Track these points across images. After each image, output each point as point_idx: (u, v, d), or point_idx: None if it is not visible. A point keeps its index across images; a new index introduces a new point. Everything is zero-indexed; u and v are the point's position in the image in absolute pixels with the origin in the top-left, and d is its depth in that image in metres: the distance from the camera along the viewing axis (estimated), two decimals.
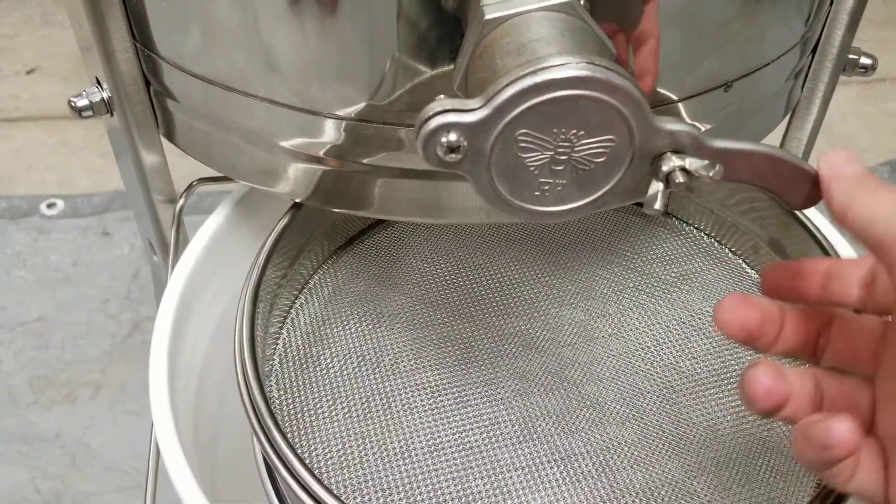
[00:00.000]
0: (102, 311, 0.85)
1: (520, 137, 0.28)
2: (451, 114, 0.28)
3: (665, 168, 0.28)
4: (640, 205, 0.48)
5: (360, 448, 0.37)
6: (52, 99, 1.12)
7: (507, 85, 0.27)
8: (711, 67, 0.36)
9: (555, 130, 0.28)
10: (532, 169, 0.29)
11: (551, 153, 0.29)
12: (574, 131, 0.28)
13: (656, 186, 0.29)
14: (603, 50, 0.30)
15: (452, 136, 0.28)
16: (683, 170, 0.28)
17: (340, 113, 0.36)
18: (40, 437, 0.75)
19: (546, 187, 0.29)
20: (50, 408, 0.77)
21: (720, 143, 0.29)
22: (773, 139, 0.47)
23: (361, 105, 0.35)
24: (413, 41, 0.33)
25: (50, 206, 0.96)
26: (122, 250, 0.91)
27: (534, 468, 0.36)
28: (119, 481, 0.71)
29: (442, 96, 0.29)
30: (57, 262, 0.90)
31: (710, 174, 0.28)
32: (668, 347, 0.41)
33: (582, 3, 0.31)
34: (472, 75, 0.31)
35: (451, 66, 0.33)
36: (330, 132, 0.36)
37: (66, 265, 0.89)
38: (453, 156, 0.28)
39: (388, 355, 0.41)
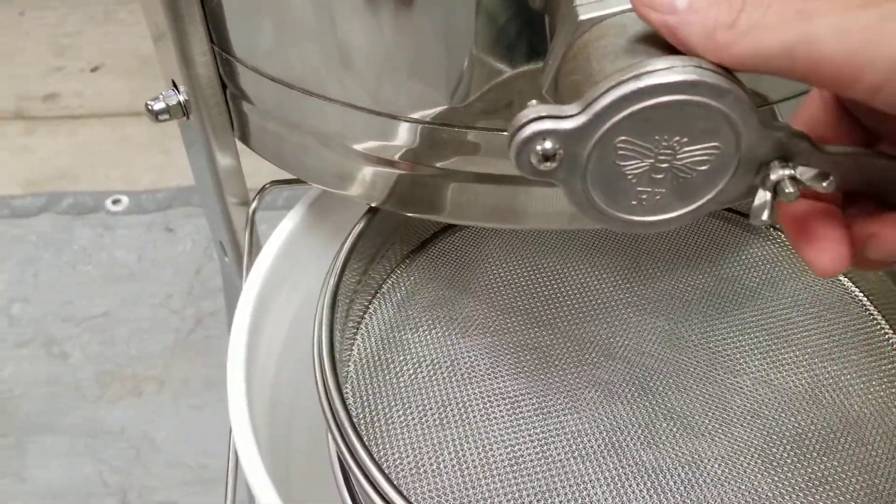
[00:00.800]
0: (166, 307, 0.85)
1: (619, 145, 0.27)
2: (547, 121, 0.27)
3: (773, 177, 0.27)
4: (735, 211, 0.46)
5: (436, 457, 0.36)
6: (115, 96, 1.13)
7: (608, 90, 0.26)
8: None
9: (657, 137, 0.27)
10: (630, 177, 0.28)
11: (652, 161, 0.27)
12: (677, 138, 0.27)
13: (763, 196, 0.27)
14: None
15: (548, 144, 0.27)
16: (793, 179, 0.27)
17: (415, 116, 0.35)
18: (106, 431, 0.76)
19: (644, 196, 0.28)
20: (116, 402, 0.78)
21: (832, 149, 0.27)
22: None
23: (437, 108, 0.34)
24: (493, 40, 0.32)
25: (115, 202, 0.97)
26: (185, 246, 0.91)
27: (619, 483, 0.35)
28: (182, 476, 0.72)
29: (535, 102, 0.28)
30: (122, 258, 0.91)
31: (824, 184, 0.27)
32: (755, 358, 0.39)
33: None
34: (563, 78, 0.30)
35: (530, 67, 0.32)
36: (404, 135, 0.36)
37: (131, 261, 0.90)
38: (548, 164, 0.27)
39: (463, 362, 0.40)
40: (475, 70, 0.33)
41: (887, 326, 0.40)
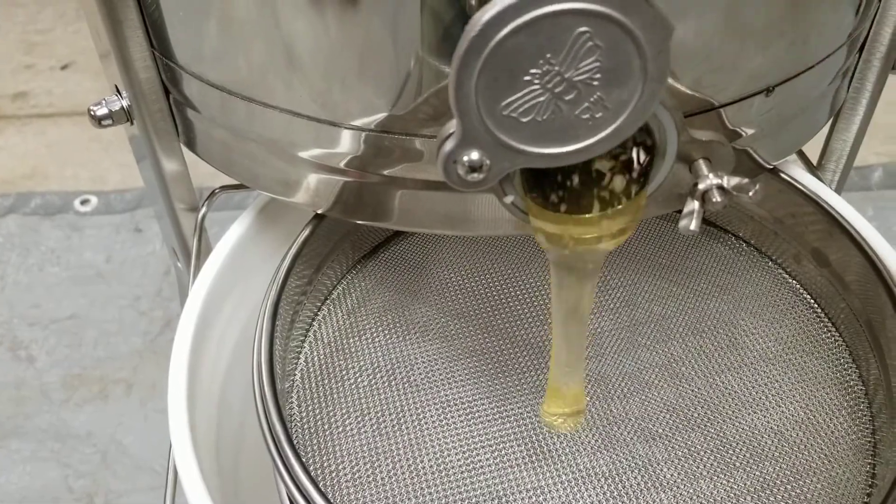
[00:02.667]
0: (134, 309, 0.85)
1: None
2: None
3: (701, 186, 0.27)
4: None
5: (389, 465, 0.36)
6: (85, 94, 1.12)
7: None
8: (753, 71, 0.34)
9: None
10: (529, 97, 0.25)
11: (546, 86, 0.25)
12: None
13: (692, 205, 0.27)
14: None
15: (475, 156, 0.26)
16: (721, 188, 0.27)
17: (359, 123, 0.34)
18: (73, 435, 0.75)
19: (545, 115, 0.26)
20: (82, 406, 0.77)
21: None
22: (817, 140, 0.46)
23: (380, 115, 0.34)
24: (434, 45, 0.32)
25: (83, 202, 0.96)
26: (154, 247, 0.91)
27: (575, 487, 0.35)
28: (150, 480, 0.71)
29: None
30: (90, 259, 0.90)
31: (750, 193, 0.26)
32: (707, 362, 0.39)
33: None
34: None
35: None
36: (348, 143, 0.35)
37: (100, 262, 0.90)
38: (475, 175, 0.27)
39: (417, 368, 0.40)
40: (416, 77, 0.32)
41: (835, 330, 0.40)
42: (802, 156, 0.47)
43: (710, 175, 0.27)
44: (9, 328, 0.84)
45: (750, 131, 0.36)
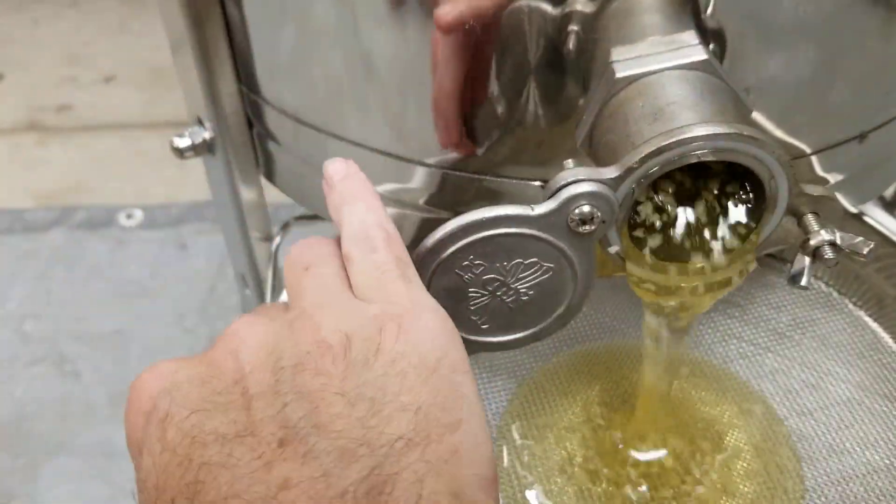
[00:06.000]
0: (179, 326, 0.85)
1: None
2: (586, 183, 0.26)
3: (813, 242, 0.27)
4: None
5: None
6: (128, 107, 1.13)
7: (649, 155, 0.26)
8: (848, 118, 0.34)
9: None
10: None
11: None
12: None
13: (803, 261, 0.27)
14: (741, 110, 0.28)
15: (586, 208, 0.26)
16: (833, 244, 0.26)
17: (435, 161, 0.35)
18: (119, 453, 0.75)
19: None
20: None
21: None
22: None
23: (458, 154, 0.34)
24: (522, 91, 0.32)
25: (128, 216, 0.97)
26: (199, 263, 0.91)
27: None
28: None
29: (570, 162, 0.27)
30: (135, 274, 0.90)
31: (865, 251, 0.26)
32: (789, 402, 0.39)
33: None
34: (599, 136, 0.29)
35: (560, 120, 0.32)
36: (424, 180, 0.35)
37: (144, 277, 0.90)
38: (586, 227, 0.27)
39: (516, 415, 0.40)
40: (502, 120, 0.33)
41: None
42: (880, 196, 0.47)
43: (822, 231, 0.26)
44: (54, 343, 0.84)
45: (839, 178, 0.36)
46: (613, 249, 0.28)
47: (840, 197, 0.37)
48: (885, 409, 0.39)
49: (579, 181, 0.26)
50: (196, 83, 0.38)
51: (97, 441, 0.76)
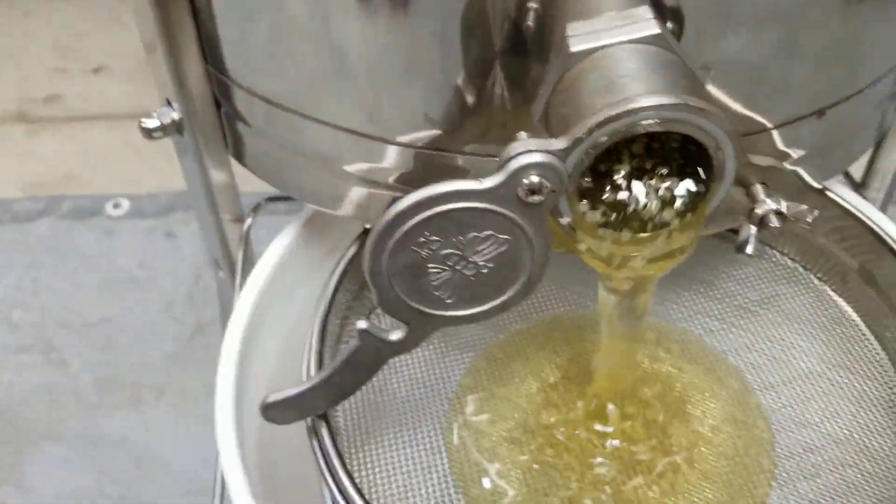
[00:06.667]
0: (166, 314, 0.85)
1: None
2: (536, 154, 0.27)
3: (759, 211, 0.27)
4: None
5: (426, 477, 0.36)
6: (117, 98, 1.13)
7: (596, 125, 0.26)
8: (806, 93, 0.34)
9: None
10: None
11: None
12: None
13: (749, 230, 0.27)
14: (694, 84, 0.29)
15: (535, 178, 0.27)
16: (779, 213, 0.27)
17: (406, 140, 0.35)
18: (106, 440, 0.76)
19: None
20: (115, 410, 0.78)
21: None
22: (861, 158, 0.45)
23: (429, 133, 0.34)
24: (485, 67, 0.32)
25: (115, 206, 0.97)
26: (186, 253, 0.91)
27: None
28: (183, 486, 0.72)
29: (524, 134, 0.28)
30: (122, 264, 0.91)
31: (809, 219, 0.27)
32: (751, 377, 0.39)
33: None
34: (554, 110, 0.30)
35: (522, 96, 0.32)
36: (396, 159, 0.36)
37: (132, 267, 0.90)
38: (535, 197, 0.27)
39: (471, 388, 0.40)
40: (468, 97, 0.33)
41: (881, 349, 0.40)
42: (846, 174, 0.47)
43: (768, 200, 0.27)
44: (41, 331, 0.85)
45: (800, 153, 0.36)
46: (565, 220, 0.29)
47: (803, 172, 0.37)
48: (846, 380, 0.39)
49: (528, 152, 0.26)
50: (162, 63, 0.38)
51: (83, 428, 0.76)
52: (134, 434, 0.76)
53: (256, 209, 0.45)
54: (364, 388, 0.40)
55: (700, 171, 0.28)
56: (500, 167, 0.27)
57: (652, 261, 0.29)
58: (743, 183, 0.28)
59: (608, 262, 0.29)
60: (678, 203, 0.28)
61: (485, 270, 0.29)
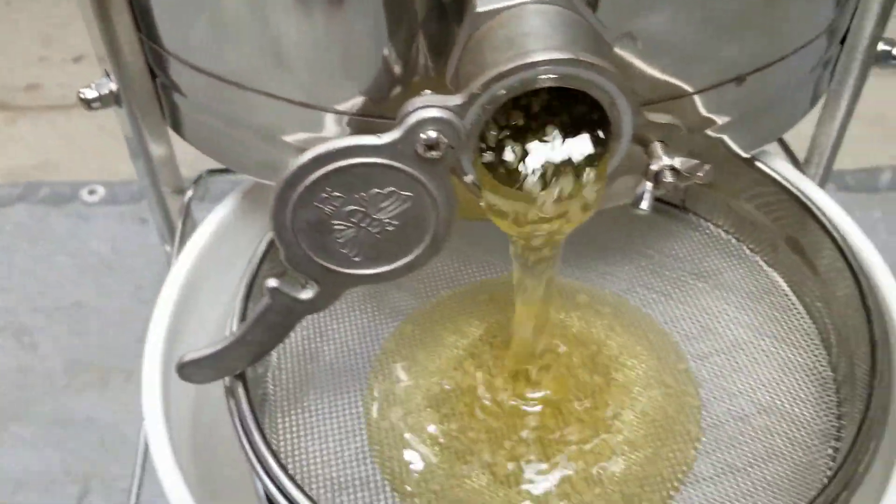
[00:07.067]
0: (136, 298, 0.86)
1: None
2: (431, 109, 0.27)
3: (654, 167, 0.27)
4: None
5: (346, 444, 0.37)
6: None
7: (490, 80, 0.26)
8: (722, 60, 0.34)
9: None
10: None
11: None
12: None
13: (644, 186, 0.28)
14: (598, 44, 0.29)
15: (432, 134, 0.27)
16: (673, 169, 0.27)
17: (341, 108, 0.35)
18: (73, 421, 0.76)
19: None
20: (83, 392, 0.79)
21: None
22: (805, 134, 0.46)
23: (361, 99, 0.35)
24: (407, 33, 0.32)
25: (91, 192, 0.97)
26: (157, 237, 0.92)
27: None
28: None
29: (427, 91, 0.28)
30: (96, 248, 0.91)
31: (700, 174, 0.27)
32: (683, 347, 0.40)
33: None
34: (461, 69, 0.30)
35: (445, 60, 0.32)
36: (332, 128, 0.36)
37: (105, 251, 0.91)
38: (433, 153, 0.27)
39: (393, 353, 0.40)
40: (394, 63, 0.33)
41: (808, 317, 0.41)
42: (788, 150, 0.47)
43: (664, 156, 0.27)
44: (14, 315, 0.85)
45: (724, 119, 0.37)
46: (469, 179, 0.29)
47: (728, 140, 0.38)
48: (775, 349, 0.39)
49: (425, 107, 0.27)
50: (96, 32, 0.39)
51: (52, 410, 0.77)
52: (100, 415, 0.76)
53: (198, 181, 0.46)
54: (294, 355, 0.40)
55: (601, 132, 0.29)
56: (399, 122, 0.27)
57: (556, 219, 0.29)
58: (642, 142, 0.28)
59: (515, 222, 0.29)
60: (577, 159, 0.28)
61: (390, 228, 0.29)
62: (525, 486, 0.35)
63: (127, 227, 0.93)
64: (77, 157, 1.04)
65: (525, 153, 0.29)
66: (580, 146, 0.28)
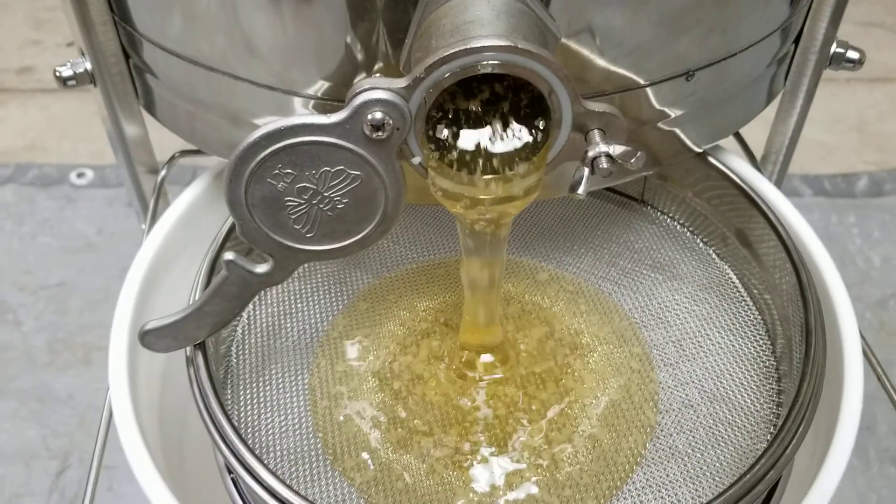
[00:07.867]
0: (120, 279, 0.86)
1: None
2: (377, 91, 0.28)
3: (591, 154, 0.28)
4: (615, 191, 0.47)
5: (300, 418, 0.38)
6: None
7: (433, 65, 0.27)
8: (671, 54, 0.35)
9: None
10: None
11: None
12: None
13: (581, 172, 0.29)
14: (543, 35, 0.30)
15: (378, 115, 0.28)
16: (608, 156, 0.28)
17: (307, 91, 0.36)
18: (53, 398, 0.78)
19: None
20: (65, 370, 0.80)
21: None
22: (762, 133, 0.47)
23: (326, 84, 0.36)
24: (370, 21, 0.33)
25: (80, 175, 0.99)
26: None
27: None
28: None
29: (378, 74, 0.29)
30: (82, 230, 0.92)
31: (632, 160, 0.28)
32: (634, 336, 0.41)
33: None
34: (412, 55, 0.31)
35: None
36: (299, 111, 0.37)
37: (91, 233, 0.92)
38: (379, 133, 0.28)
39: (357, 332, 0.41)
40: (357, 49, 0.34)
41: (754, 308, 0.42)
42: (745, 147, 0.48)
43: (600, 144, 0.28)
44: None
45: (676, 113, 0.38)
46: (416, 160, 0.30)
47: (680, 133, 0.39)
48: (724, 340, 0.40)
49: (371, 89, 0.28)
50: (70, 11, 0.40)
51: (33, 386, 0.78)
52: (80, 393, 0.78)
53: (171, 161, 0.47)
54: (258, 331, 0.41)
55: (542, 120, 0.30)
56: (346, 103, 0.28)
57: (501, 201, 0.30)
58: (581, 130, 0.29)
59: (460, 203, 0.31)
60: (518, 145, 0.29)
61: (340, 206, 0.30)
62: (473, 471, 0.36)
63: (114, 210, 0.94)
64: (67, 140, 1.05)
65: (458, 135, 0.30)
66: (524, 132, 0.29)
